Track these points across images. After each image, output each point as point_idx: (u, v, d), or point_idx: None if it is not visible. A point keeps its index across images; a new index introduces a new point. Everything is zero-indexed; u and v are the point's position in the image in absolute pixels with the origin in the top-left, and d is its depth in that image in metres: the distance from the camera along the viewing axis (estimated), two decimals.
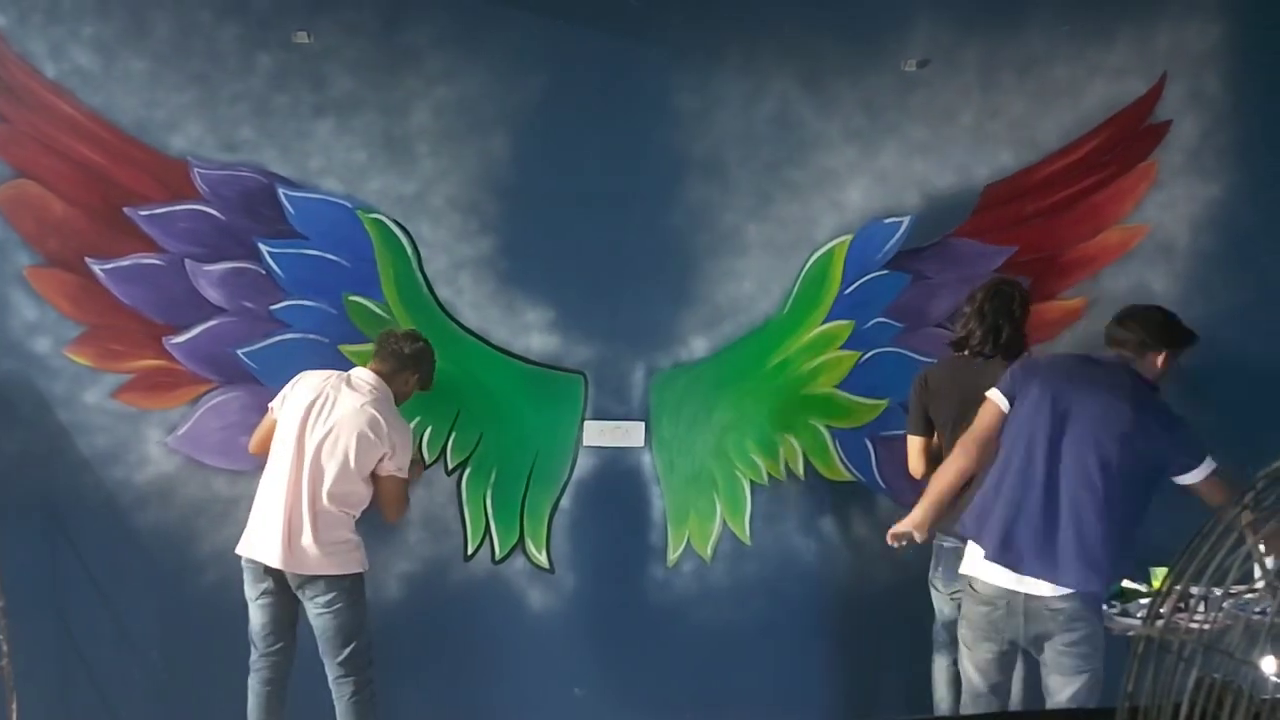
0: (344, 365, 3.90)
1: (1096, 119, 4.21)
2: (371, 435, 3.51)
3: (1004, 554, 3.14)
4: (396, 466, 3.58)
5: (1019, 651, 3.35)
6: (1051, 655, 3.18)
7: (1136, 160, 4.23)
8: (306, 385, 3.60)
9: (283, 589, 3.56)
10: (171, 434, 3.94)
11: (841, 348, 4.17)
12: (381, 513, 3.66)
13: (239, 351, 3.94)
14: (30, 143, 3.86)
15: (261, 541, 3.53)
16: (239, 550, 3.59)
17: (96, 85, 3.88)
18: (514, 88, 4.05)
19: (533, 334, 4.09)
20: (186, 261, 3.92)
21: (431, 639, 4.07)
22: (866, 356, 4.17)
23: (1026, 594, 3.14)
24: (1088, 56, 4.21)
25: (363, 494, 3.58)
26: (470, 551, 4.09)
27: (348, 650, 3.57)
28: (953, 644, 3.93)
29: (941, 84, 4.17)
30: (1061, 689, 3.17)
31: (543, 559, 4.11)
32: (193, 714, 3.99)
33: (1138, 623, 3.17)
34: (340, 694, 3.60)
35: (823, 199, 4.16)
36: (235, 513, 3.86)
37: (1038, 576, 3.11)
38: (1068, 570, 3.07)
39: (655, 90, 4.11)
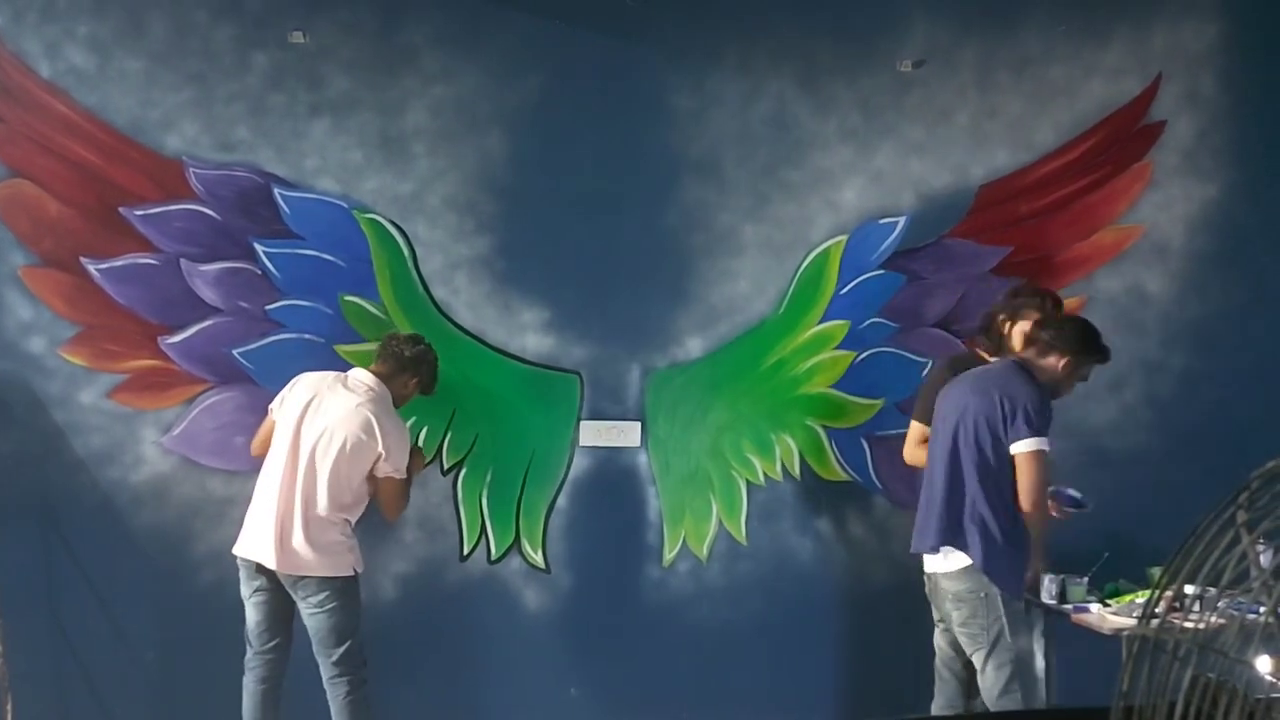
0: (340, 365, 3.89)
1: (1092, 119, 4.22)
2: (364, 437, 3.51)
3: (915, 540, 3.55)
4: (393, 468, 3.58)
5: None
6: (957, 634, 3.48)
7: (1132, 160, 4.24)
8: (304, 386, 3.59)
9: (276, 587, 3.55)
10: (167, 434, 3.93)
11: (837, 348, 4.17)
12: (380, 511, 3.66)
13: (234, 351, 3.93)
14: (25, 142, 3.85)
15: (255, 541, 3.52)
16: (235, 549, 3.59)
17: (92, 85, 3.88)
18: (511, 88, 4.05)
19: (529, 334, 4.09)
20: (182, 261, 3.91)
21: (427, 639, 4.06)
22: (862, 356, 4.18)
23: (929, 572, 3.50)
24: (1084, 57, 4.22)
25: (360, 494, 3.58)
26: (466, 551, 4.08)
27: (341, 650, 3.56)
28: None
29: (937, 84, 4.18)
30: (979, 668, 3.43)
31: (539, 559, 4.10)
32: (189, 714, 3.98)
33: (1133, 622, 3.18)
34: (335, 694, 3.59)
35: (819, 199, 4.16)
36: (231, 513, 3.85)
37: (918, 550, 3.51)
38: (929, 535, 3.42)
39: (651, 90, 4.11)
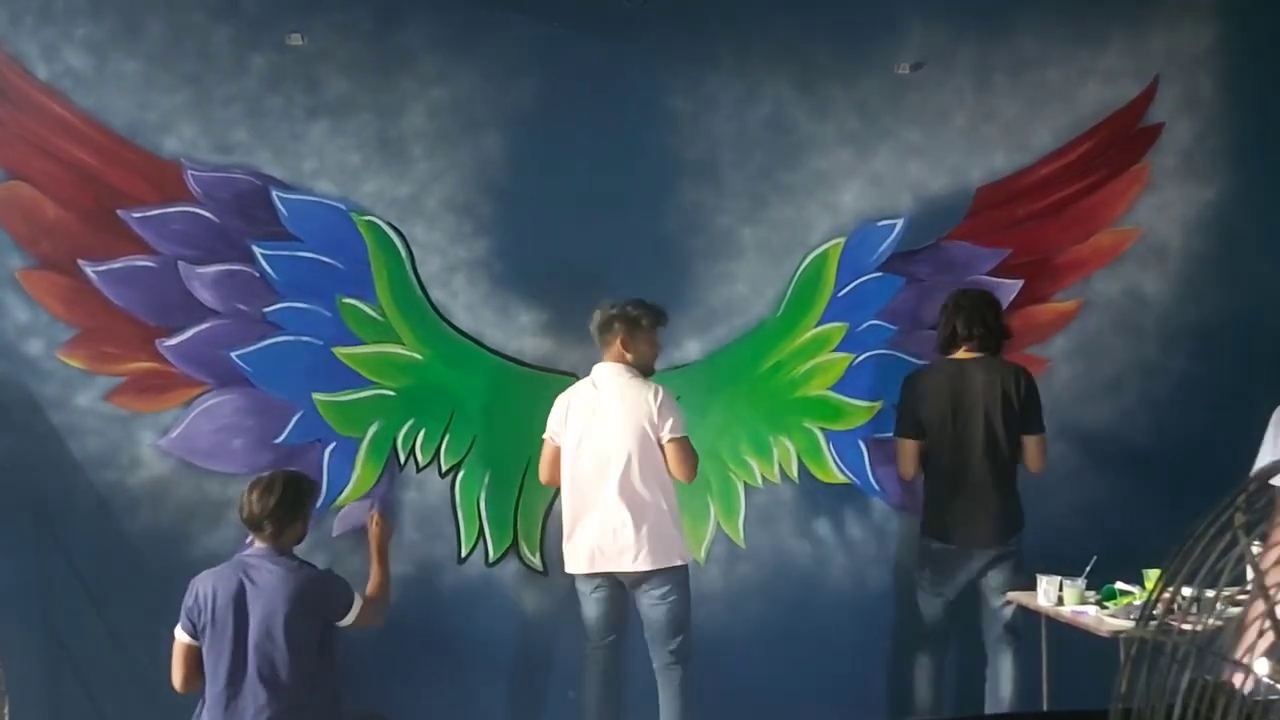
0: (337, 367, 3.91)
1: (1089, 122, 4.22)
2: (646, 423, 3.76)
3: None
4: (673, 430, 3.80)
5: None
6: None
7: (1129, 163, 4.25)
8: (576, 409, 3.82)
9: (616, 583, 3.78)
10: (164, 436, 3.93)
11: (835, 350, 4.17)
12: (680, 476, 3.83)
13: (232, 354, 3.92)
14: (22, 145, 3.85)
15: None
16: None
17: (89, 87, 3.87)
18: (508, 90, 4.05)
19: (526, 336, 4.09)
20: (179, 264, 3.91)
21: (425, 641, 4.06)
22: (860, 359, 4.18)
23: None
24: (1081, 59, 4.22)
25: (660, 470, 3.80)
26: (464, 554, 4.08)
27: (679, 639, 3.79)
28: (936, 644, 3.96)
29: (935, 87, 4.18)
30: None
31: (536, 561, 4.10)
32: (184, 718, 3.97)
33: (1130, 624, 3.18)
34: (670, 680, 3.80)
35: (816, 202, 4.16)
36: (228, 515, 3.85)
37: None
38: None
39: (649, 93, 4.11)
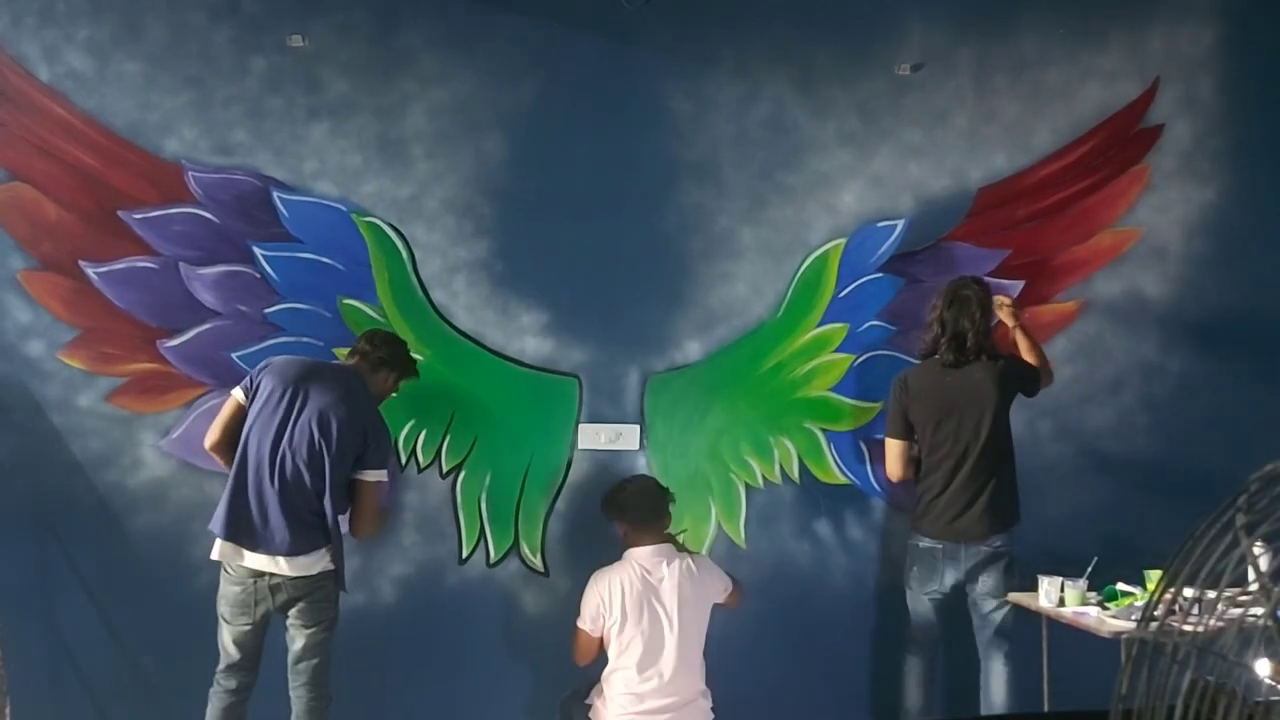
0: None
1: (1090, 123, 4.23)
2: None
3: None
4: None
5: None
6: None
7: (1129, 164, 4.25)
8: None
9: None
10: (165, 437, 3.93)
11: (836, 351, 4.18)
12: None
13: (233, 355, 3.93)
14: (24, 146, 3.86)
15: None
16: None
17: (90, 88, 3.88)
18: (508, 91, 4.05)
19: (527, 337, 4.09)
20: (180, 265, 3.91)
21: (425, 642, 4.06)
22: (861, 359, 4.18)
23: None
24: (1081, 60, 4.22)
25: None
26: (465, 555, 4.08)
27: None
28: (927, 645, 3.95)
29: (935, 87, 4.18)
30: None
31: (537, 562, 4.10)
32: (184, 718, 3.97)
33: (1131, 625, 3.18)
34: None
35: (817, 202, 4.17)
36: None
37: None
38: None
39: (649, 94, 4.11)
